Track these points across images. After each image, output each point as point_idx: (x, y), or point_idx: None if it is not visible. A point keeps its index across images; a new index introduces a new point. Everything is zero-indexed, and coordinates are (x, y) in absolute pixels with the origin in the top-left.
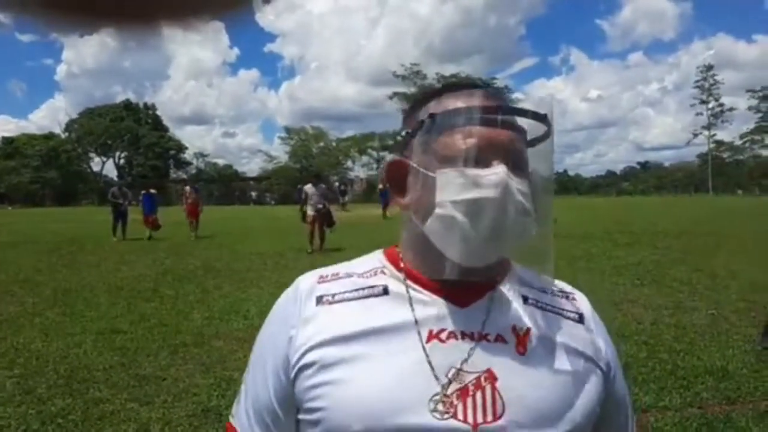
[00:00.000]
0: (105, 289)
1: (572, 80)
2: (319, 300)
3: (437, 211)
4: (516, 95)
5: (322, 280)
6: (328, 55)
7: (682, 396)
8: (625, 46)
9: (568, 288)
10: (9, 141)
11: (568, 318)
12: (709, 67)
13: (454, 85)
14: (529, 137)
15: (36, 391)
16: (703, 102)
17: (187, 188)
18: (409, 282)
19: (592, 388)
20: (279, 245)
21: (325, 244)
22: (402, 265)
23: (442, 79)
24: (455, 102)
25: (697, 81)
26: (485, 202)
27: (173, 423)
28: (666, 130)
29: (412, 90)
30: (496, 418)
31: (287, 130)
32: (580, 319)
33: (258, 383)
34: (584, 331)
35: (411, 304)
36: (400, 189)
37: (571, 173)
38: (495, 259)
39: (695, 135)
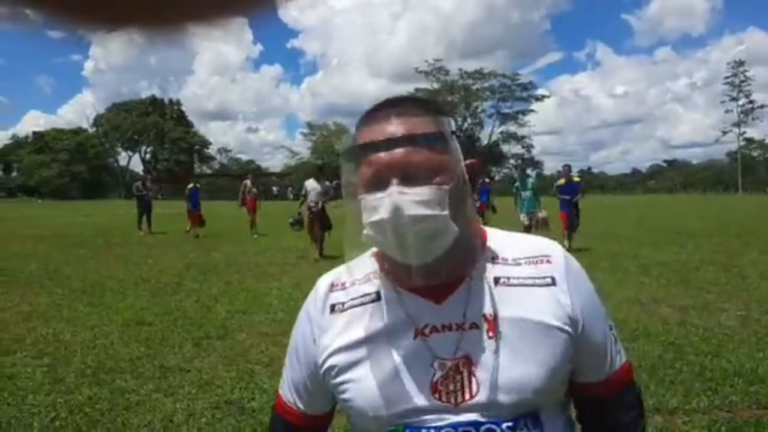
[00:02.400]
0: (131, 281)
1: (598, 76)
2: (332, 309)
3: (364, 231)
4: (541, 91)
5: (334, 288)
6: (350, 50)
7: (710, 399)
8: (652, 41)
9: (545, 249)
10: (39, 136)
11: (539, 285)
12: (740, 63)
13: (368, 112)
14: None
15: (65, 380)
16: (733, 99)
17: (247, 182)
18: (392, 285)
19: (556, 353)
20: (301, 241)
21: (325, 250)
22: (385, 267)
23: (465, 75)
24: (365, 134)
25: (727, 77)
26: (383, 222)
27: (197, 414)
28: (694, 128)
29: (435, 86)
30: (472, 396)
31: (309, 126)
32: (552, 281)
33: (295, 368)
34: (554, 293)
35: (399, 307)
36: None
37: (595, 171)
38: (432, 257)
39: (724, 132)
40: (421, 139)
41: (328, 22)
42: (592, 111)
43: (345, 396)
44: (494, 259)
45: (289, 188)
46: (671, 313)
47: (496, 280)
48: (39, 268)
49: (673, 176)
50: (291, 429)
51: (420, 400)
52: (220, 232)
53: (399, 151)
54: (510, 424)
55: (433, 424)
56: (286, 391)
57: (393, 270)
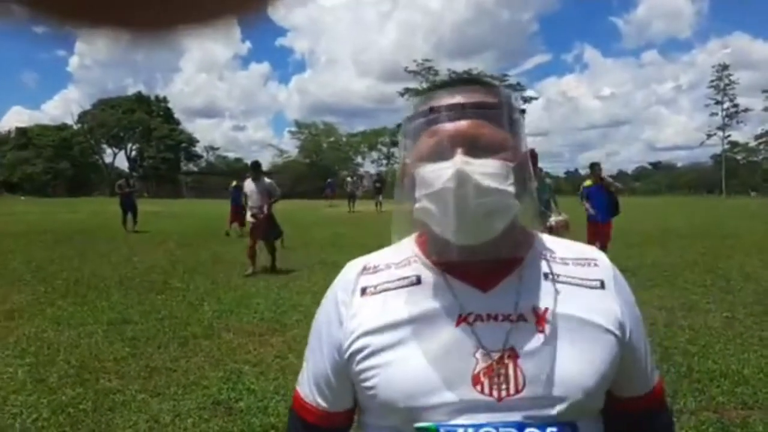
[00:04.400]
0: (116, 280)
1: (585, 78)
2: (363, 291)
3: (416, 204)
4: (529, 92)
5: (365, 271)
6: (338, 49)
7: (697, 400)
8: (639, 44)
9: (591, 254)
10: (22, 131)
11: (588, 287)
12: (725, 67)
13: (435, 85)
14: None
15: (47, 380)
16: (717, 102)
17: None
18: (436, 269)
19: (605, 356)
20: (288, 240)
21: (278, 261)
22: (428, 251)
23: (454, 74)
24: (425, 104)
25: (712, 80)
26: (445, 192)
27: (183, 415)
28: (679, 130)
29: (424, 86)
30: (518, 391)
31: (297, 124)
32: (601, 285)
33: (317, 358)
34: (603, 296)
35: (441, 292)
36: (401, 187)
37: (582, 172)
38: (486, 237)
39: (709, 136)
40: (490, 111)
41: (316, 20)
42: (579, 113)
43: (371, 383)
44: (542, 254)
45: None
46: (658, 315)
47: (545, 276)
48: (21, 266)
49: (658, 178)
50: (310, 429)
51: (459, 391)
52: (206, 231)
53: (465, 122)
54: (554, 429)
55: (470, 422)
56: (305, 387)
57: (438, 253)
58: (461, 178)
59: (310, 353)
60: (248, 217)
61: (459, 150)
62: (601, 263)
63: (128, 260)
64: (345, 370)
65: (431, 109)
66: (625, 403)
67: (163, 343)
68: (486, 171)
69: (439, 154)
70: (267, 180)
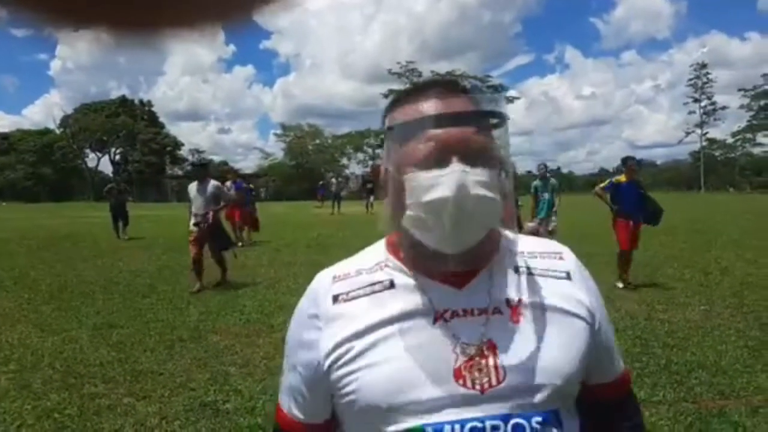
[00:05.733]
0: (101, 284)
1: (567, 78)
2: (336, 299)
3: (408, 212)
4: (511, 93)
5: (336, 279)
6: (323, 52)
7: (675, 391)
8: (619, 44)
9: (556, 248)
10: (4, 137)
11: (557, 277)
12: (703, 65)
13: (414, 89)
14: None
15: (32, 386)
16: (695, 100)
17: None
18: (410, 271)
19: (579, 341)
20: (274, 241)
21: (228, 272)
22: (402, 255)
23: (437, 76)
24: (414, 109)
25: (690, 79)
26: (445, 201)
27: (170, 417)
28: (659, 128)
29: (409, 86)
30: (499, 381)
31: (283, 127)
32: (568, 276)
33: (290, 370)
34: (571, 287)
35: (416, 293)
36: (383, 190)
37: (564, 171)
38: (471, 244)
39: (687, 133)
40: (484, 119)
41: (301, 23)
42: (561, 112)
43: (350, 388)
44: (510, 250)
45: (263, 189)
46: (638, 309)
47: (516, 269)
48: (3, 273)
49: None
50: None
51: (442, 386)
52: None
53: (458, 129)
54: (539, 419)
55: (456, 418)
56: (285, 402)
57: (414, 257)
58: (462, 188)
59: (285, 365)
60: (191, 226)
61: (454, 158)
62: (566, 256)
63: (113, 265)
64: (321, 382)
65: (421, 115)
66: (595, 390)
67: (150, 346)
68: (481, 179)
69: (433, 161)
70: (214, 183)
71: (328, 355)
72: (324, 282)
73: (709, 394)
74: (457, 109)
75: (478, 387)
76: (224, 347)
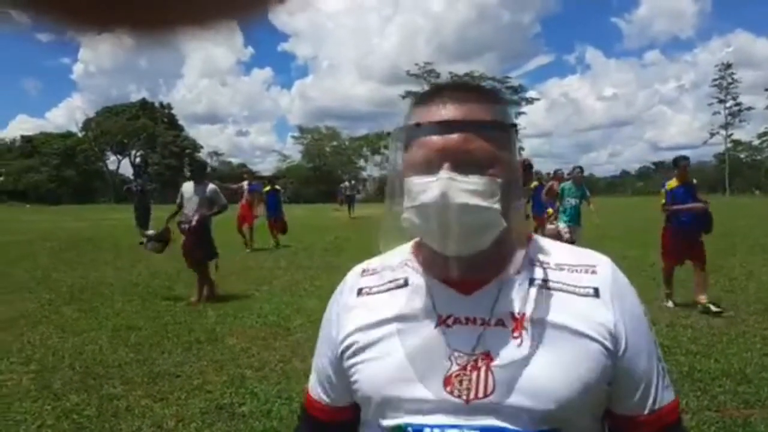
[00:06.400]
0: (120, 286)
1: (588, 79)
2: (360, 292)
3: (404, 215)
4: (531, 94)
5: (365, 273)
6: (340, 54)
7: (699, 399)
8: (641, 44)
9: (591, 260)
10: (27, 140)
11: (579, 294)
12: (728, 65)
13: (426, 93)
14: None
15: (52, 386)
16: (720, 101)
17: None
18: (424, 273)
19: (588, 364)
20: (293, 245)
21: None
22: (421, 256)
23: (456, 77)
24: (420, 114)
25: (715, 79)
26: (427, 207)
27: (187, 419)
28: (682, 130)
29: (426, 89)
30: (486, 395)
31: (300, 129)
32: (595, 293)
33: (320, 353)
34: (595, 305)
35: (425, 294)
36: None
37: (585, 173)
38: (472, 251)
39: (712, 134)
40: (479, 126)
41: (318, 25)
42: (581, 114)
43: (355, 377)
44: (533, 261)
45: (281, 191)
46: (660, 314)
47: (532, 281)
48: (26, 274)
49: (661, 178)
50: (317, 424)
51: (431, 390)
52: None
53: (454, 137)
54: None
55: (438, 422)
56: (313, 384)
57: (428, 259)
58: (443, 195)
59: (316, 351)
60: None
61: (446, 165)
62: (600, 269)
63: (132, 267)
64: (340, 366)
65: (420, 122)
66: (622, 421)
67: (167, 348)
68: (470, 188)
69: (426, 166)
70: (212, 187)
71: (341, 342)
72: (355, 274)
73: (733, 403)
74: (462, 116)
75: (464, 397)
76: (241, 350)
